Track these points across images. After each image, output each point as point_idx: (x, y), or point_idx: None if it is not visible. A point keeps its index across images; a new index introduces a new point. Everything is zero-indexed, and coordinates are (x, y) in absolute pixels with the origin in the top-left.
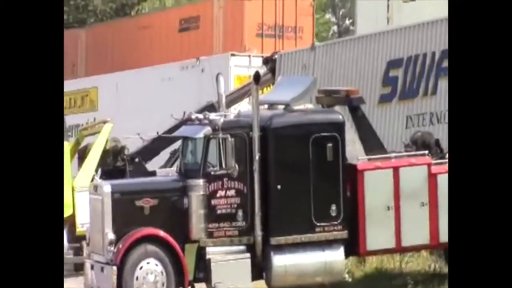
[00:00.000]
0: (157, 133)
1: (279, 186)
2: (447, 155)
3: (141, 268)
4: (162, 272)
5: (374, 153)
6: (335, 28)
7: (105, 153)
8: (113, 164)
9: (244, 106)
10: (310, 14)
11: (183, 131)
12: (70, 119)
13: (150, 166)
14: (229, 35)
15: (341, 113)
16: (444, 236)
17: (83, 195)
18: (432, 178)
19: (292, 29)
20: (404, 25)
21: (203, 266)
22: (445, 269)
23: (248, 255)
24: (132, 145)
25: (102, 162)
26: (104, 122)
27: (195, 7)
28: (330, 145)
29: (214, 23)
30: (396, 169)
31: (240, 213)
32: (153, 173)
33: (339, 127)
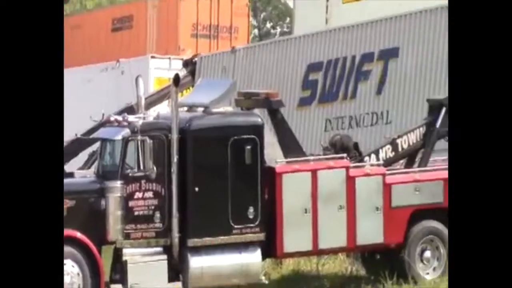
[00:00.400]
0: (76, 134)
1: (196, 188)
2: (365, 158)
3: None
4: (78, 274)
5: (293, 156)
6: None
7: None
8: None
9: (163, 108)
10: (245, 15)
11: (101, 133)
12: None
13: (68, 167)
14: (163, 36)
15: (260, 116)
16: (360, 239)
17: None
18: (350, 181)
19: (227, 29)
20: (324, 28)
21: (120, 268)
22: (362, 272)
23: (165, 256)
24: None
25: None
26: None
27: (128, 7)
28: (249, 147)
29: (148, 23)
30: (314, 172)
31: (157, 215)
32: (71, 175)
33: (258, 129)
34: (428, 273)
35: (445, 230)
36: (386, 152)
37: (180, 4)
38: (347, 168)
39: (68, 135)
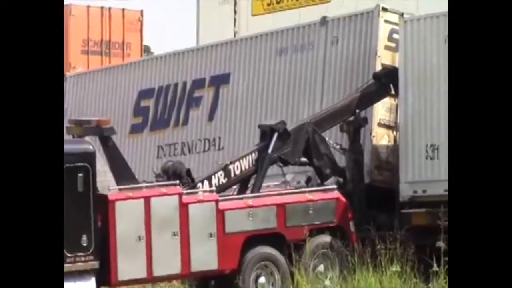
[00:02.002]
0: None
1: None
2: (198, 185)
3: None
4: None
5: (125, 183)
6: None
7: None
8: None
9: None
10: (138, 30)
11: None
12: None
13: None
14: None
15: (91, 144)
16: (195, 266)
17: None
18: (183, 207)
19: (120, 45)
20: (155, 55)
21: None
22: None
23: None
24: None
25: None
26: None
27: None
28: (80, 175)
29: None
30: (147, 199)
31: None
32: None
33: (89, 157)
34: None
35: (279, 256)
36: (219, 178)
37: (70, 19)
38: (180, 194)
39: None
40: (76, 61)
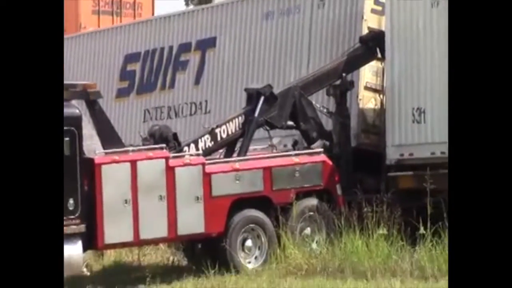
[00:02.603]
0: None
1: None
2: (185, 148)
3: None
4: None
5: (112, 147)
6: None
7: None
8: None
9: None
10: None
11: None
12: None
13: None
14: None
15: (78, 107)
16: (181, 229)
17: None
18: (170, 171)
19: (131, 5)
20: (141, 19)
21: None
22: (184, 262)
23: None
24: None
25: None
26: None
27: None
28: (67, 139)
29: None
30: (133, 163)
31: None
32: None
33: (76, 121)
34: (250, 262)
35: (265, 219)
36: (205, 142)
37: None
38: (167, 158)
39: None
40: (86, 21)
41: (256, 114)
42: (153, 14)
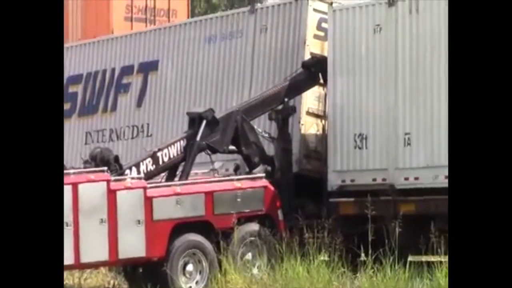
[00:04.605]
0: None
1: None
2: (126, 171)
3: None
4: None
5: None
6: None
7: None
8: None
9: None
10: None
11: None
12: None
13: None
14: (91, 19)
15: None
16: (123, 253)
17: None
18: (111, 194)
19: (165, 12)
20: (81, 41)
21: None
22: (124, 286)
23: None
24: None
25: None
26: None
27: None
28: None
29: (69, 8)
30: (75, 185)
31: None
32: None
33: None
34: (191, 287)
35: (207, 243)
36: (147, 165)
37: None
38: (108, 181)
39: None
40: (118, 28)
41: (198, 138)
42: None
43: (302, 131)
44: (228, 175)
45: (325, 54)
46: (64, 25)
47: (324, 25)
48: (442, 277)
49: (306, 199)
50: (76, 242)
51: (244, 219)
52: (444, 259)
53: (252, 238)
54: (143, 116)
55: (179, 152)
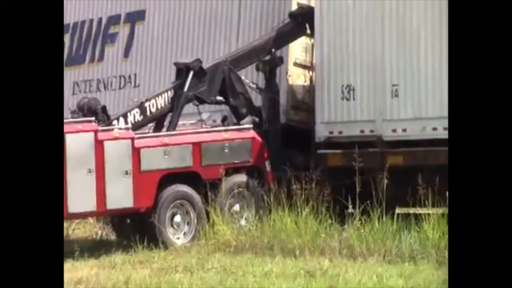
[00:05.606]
0: None
1: None
2: (114, 122)
3: None
4: None
5: None
6: None
7: None
8: None
9: None
10: None
11: None
12: None
13: None
14: None
15: None
16: (110, 204)
17: None
18: (98, 144)
19: None
20: None
21: None
22: (112, 236)
23: None
24: None
25: None
26: None
27: None
28: None
29: None
30: None
31: None
32: None
33: None
34: (178, 238)
35: (194, 194)
36: (135, 115)
37: None
38: (95, 131)
39: None
40: None
41: (185, 88)
42: None
43: (290, 82)
44: (216, 126)
45: (312, 4)
46: None
47: None
48: (429, 229)
49: (294, 151)
50: (64, 193)
51: (232, 170)
52: (432, 211)
53: (240, 189)
54: (130, 66)
55: (166, 103)
